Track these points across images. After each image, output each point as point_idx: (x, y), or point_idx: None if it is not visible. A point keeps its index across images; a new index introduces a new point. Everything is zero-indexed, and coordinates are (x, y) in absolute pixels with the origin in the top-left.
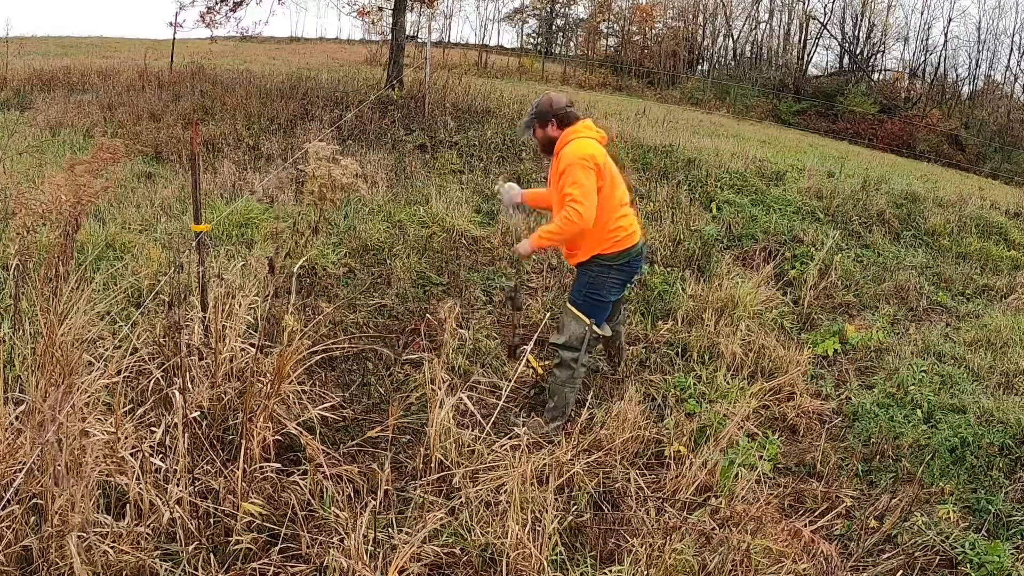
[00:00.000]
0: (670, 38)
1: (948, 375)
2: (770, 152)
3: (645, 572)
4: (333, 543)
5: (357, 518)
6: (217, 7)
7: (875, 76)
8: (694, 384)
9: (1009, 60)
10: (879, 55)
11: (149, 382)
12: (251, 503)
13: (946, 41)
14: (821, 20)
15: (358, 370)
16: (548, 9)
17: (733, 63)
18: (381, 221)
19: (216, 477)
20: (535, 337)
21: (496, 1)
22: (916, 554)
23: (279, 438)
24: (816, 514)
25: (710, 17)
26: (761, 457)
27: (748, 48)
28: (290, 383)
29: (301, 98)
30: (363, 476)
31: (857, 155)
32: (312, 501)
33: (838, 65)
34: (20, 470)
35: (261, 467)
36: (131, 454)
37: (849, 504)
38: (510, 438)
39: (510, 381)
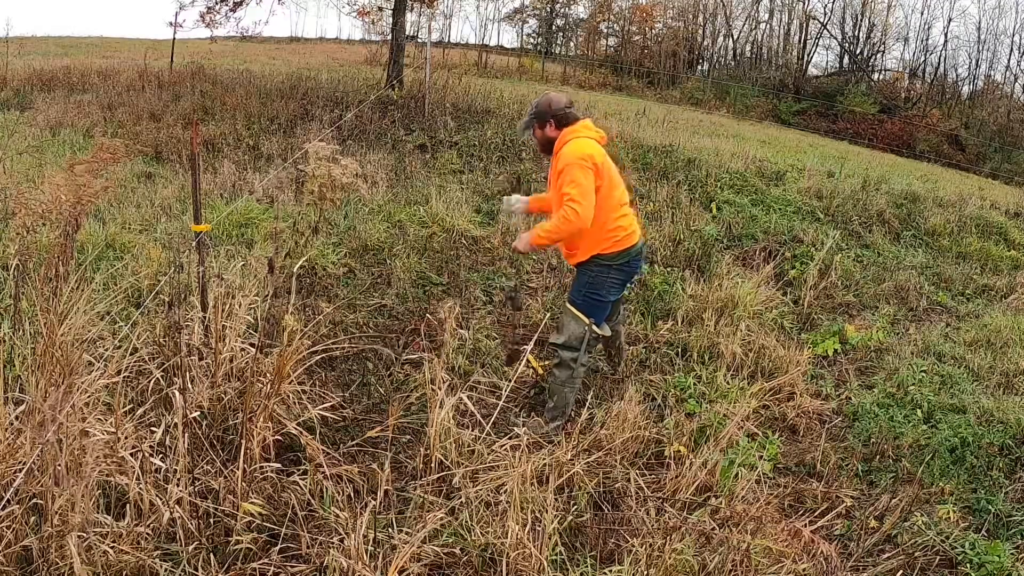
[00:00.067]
0: (670, 38)
1: (948, 375)
2: (770, 152)
3: (645, 572)
4: (333, 543)
5: (357, 518)
6: (217, 7)
7: (875, 76)
8: (694, 384)
9: (1009, 60)
10: (879, 55)
11: (149, 382)
12: (251, 503)
13: (946, 41)
14: (821, 20)
15: (358, 370)
16: (548, 9)
17: (733, 63)
18: (381, 221)
19: (216, 477)
20: (535, 337)
21: (496, 1)
22: (916, 554)
23: (279, 438)
24: (816, 514)
25: (710, 17)
26: (761, 457)
27: (748, 48)
28: (290, 383)
29: (301, 98)
30: (363, 476)
31: (857, 155)
32: (312, 501)
33: (838, 65)
34: (20, 470)
35: (261, 467)
36: (131, 454)
37: (849, 504)
38: (510, 438)
39: (510, 381)
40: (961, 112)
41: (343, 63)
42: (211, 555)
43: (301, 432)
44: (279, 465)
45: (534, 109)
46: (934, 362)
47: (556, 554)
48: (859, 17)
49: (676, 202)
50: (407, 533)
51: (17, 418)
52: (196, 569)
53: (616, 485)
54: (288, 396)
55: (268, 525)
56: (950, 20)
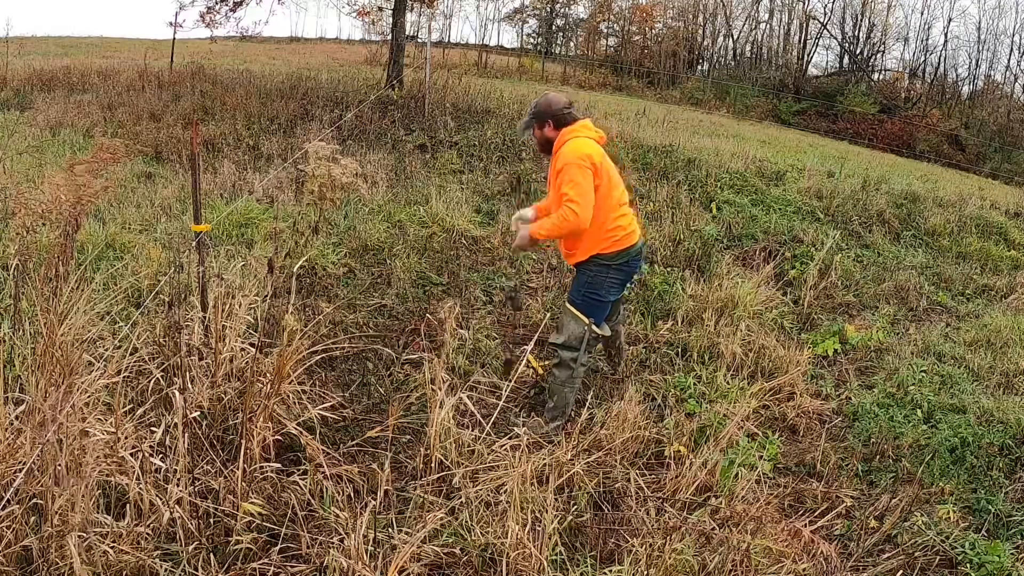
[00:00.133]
0: (670, 38)
1: (948, 375)
2: (770, 152)
3: (645, 572)
4: (333, 543)
5: (357, 518)
6: (217, 7)
7: (875, 76)
8: (694, 384)
9: (1009, 60)
10: (879, 55)
11: (149, 382)
12: (251, 503)
13: (946, 41)
14: (821, 20)
15: (358, 370)
16: (548, 9)
17: (733, 63)
18: (381, 221)
19: (216, 477)
20: (536, 337)
21: (496, 1)
22: (916, 554)
23: (279, 438)
24: (816, 514)
25: (710, 17)
26: (761, 457)
27: (748, 48)
28: (290, 383)
29: (301, 98)
30: (363, 476)
31: (857, 155)
32: (312, 501)
33: (838, 65)
34: (20, 470)
35: (261, 467)
36: (131, 454)
37: (849, 504)
38: (510, 438)
39: (510, 381)
40: (961, 112)
41: (343, 63)
42: (211, 555)
43: (301, 432)
44: (279, 465)
45: (533, 109)
46: (934, 362)
47: (556, 554)
48: (859, 17)
49: (676, 202)
50: (407, 533)
51: (17, 418)
52: (196, 569)
53: (616, 485)
54: (288, 396)
55: (268, 525)
56: (950, 20)
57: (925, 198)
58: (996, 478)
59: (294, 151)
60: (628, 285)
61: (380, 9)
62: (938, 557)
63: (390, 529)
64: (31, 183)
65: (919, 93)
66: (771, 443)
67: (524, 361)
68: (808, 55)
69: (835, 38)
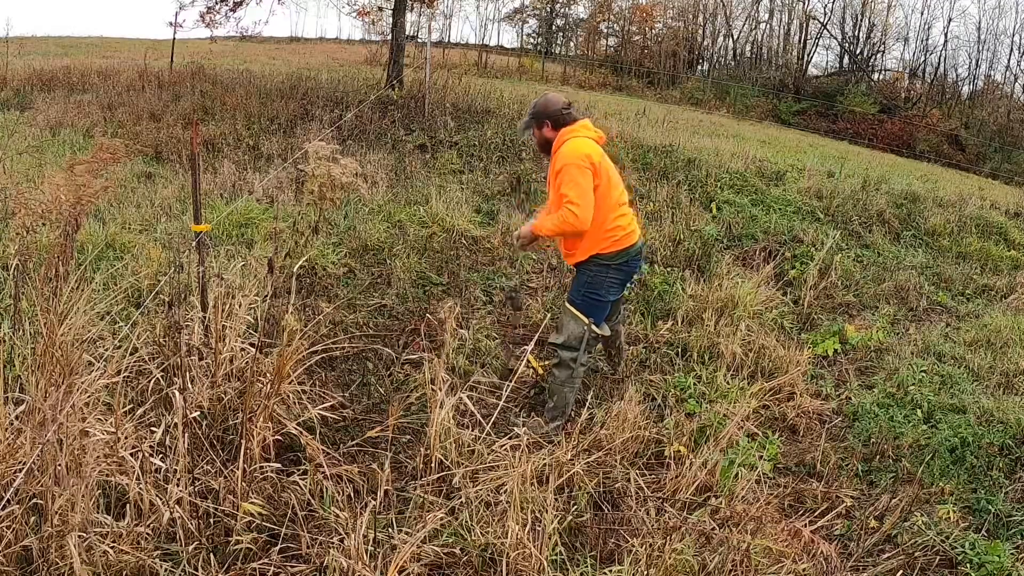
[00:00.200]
0: (670, 38)
1: (948, 375)
2: (770, 152)
3: (645, 572)
4: (333, 543)
5: (357, 518)
6: (217, 7)
7: (875, 76)
8: (694, 384)
9: (1009, 60)
10: (879, 55)
11: (149, 382)
12: (251, 503)
13: (946, 41)
14: (821, 20)
15: (358, 370)
16: (548, 9)
17: (733, 63)
18: (381, 221)
19: (216, 477)
20: (536, 337)
21: (496, 1)
22: (916, 554)
23: (279, 438)
24: (816, 514)
25: (710, 17)
26: (761, 457)
27: (748, 48)
28: (290, 383)
29: (301, 98)
30: (363, 476)
31: (857, 155)
32: (312, 501)
33: (838, 65)
34: (20, 470)
35: (261, 467)
36: (131, 454)
37: (849, 504)
38: (510, 438)
39: (510, 381)
40: (961, 112)
41: (343, 63)
42: (211, 555)
43: (301, 432)
44: (279, 465)
45: (532, 110)
46: (934, 362)
47: (556, 554)
48: (859, 17)
49: (676, 202)
50: (407, 533)
51: (17, 418)
52: (196, 569)
53: (616, 485)
54: (288, 396)
55: (268, 525)
56: (950, 20)
57: (925, 198)
58: (996, 478)
59: (294, 151)
60: (628, 285)
61: (380, 9)
62: (938, 557)
63: (390, 529)
64: (31, 183)
65: (919, 93)
66: (771, 443)
67: (524, 361)
68: (808, 55)
69: (835, 38)
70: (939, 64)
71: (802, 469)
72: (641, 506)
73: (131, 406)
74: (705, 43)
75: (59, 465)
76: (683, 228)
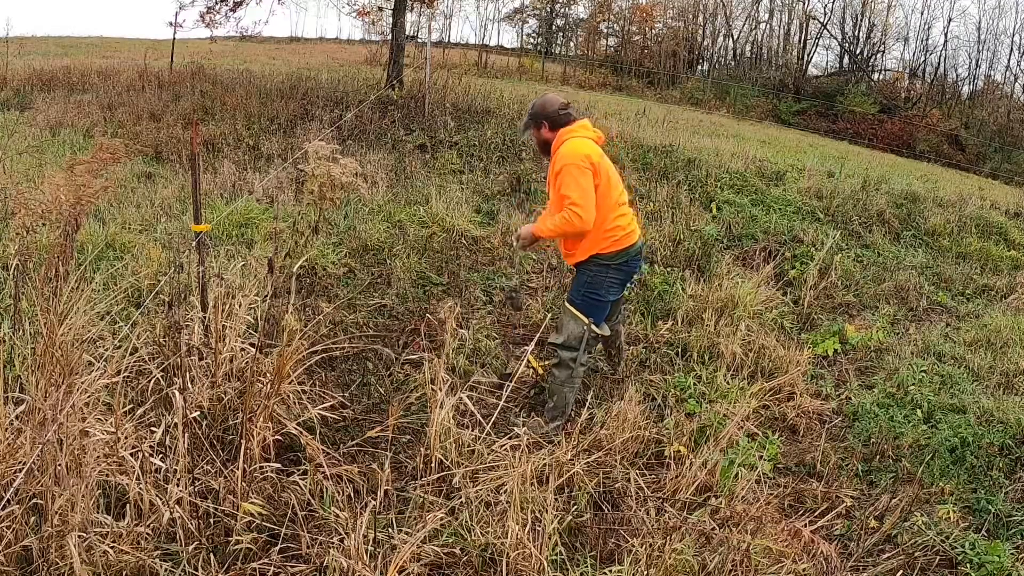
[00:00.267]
0: (670, 38)
1: (948, 375)
2: (770, 152)
3: (645, 572)
4: (333, 543)
5: (357, 518)
6: (217, 7)
7: (875, 76)
8: (694, 384)
9: (1009, 60)
10: (879, 55)
11: (149, 382)
12: (251, 503)
13: (946, 41)
14: (821, 20)
15: (358, 370)
16: (548, 9)
17: (733, 63)
18: (381, 221)
19: (216, 477)
20: (536, 338)
21: (496, 1)
22: (916, 554)
23: (279, 438)
24: (816, 514)
25: (710, 17)
26: (761, 457)
27: (748, 48)
28: (290, 383)
29: (301, 98)
30: (363, 476)
31: (857, 155)
32: (312, 501)
33: (838, 65)
34: (20, 470)
35: (261, 467)
36: (131, 454)
37: (849, 504)
38: (510, 438)
39: (510, 381)
40: (961, 112)
41: (343, 63)
42: (211, 555)
43: (301, 432)
44: (279, 465)
45: (530, 111)
46: (934, 362)
47: (556, 554)
48: (859, 17)
49: (676, 202)
50: (407, 533)
51: (17, 418)
52: (196, 569)
53: (616, 485)
54: (288, 396)
55: (268, 525)
56: (950, 20)
57: (925, 198)
58: (996, 478)
59: (294, 151)
60: (628, 285)
61: (380, 9)
62: (938, 557)
63: (390, 529)
64: (31, 183)
65: (919, 93)
66: (771, 443)
67: (524, 361)
68: (808, 55)
69: (835, 38)
70: (939, 64)
71: (802, 469)
72: (641, 506)
73: (131, 406)
74: (705, 43)
75: (59, 465)
76: (683, 228)
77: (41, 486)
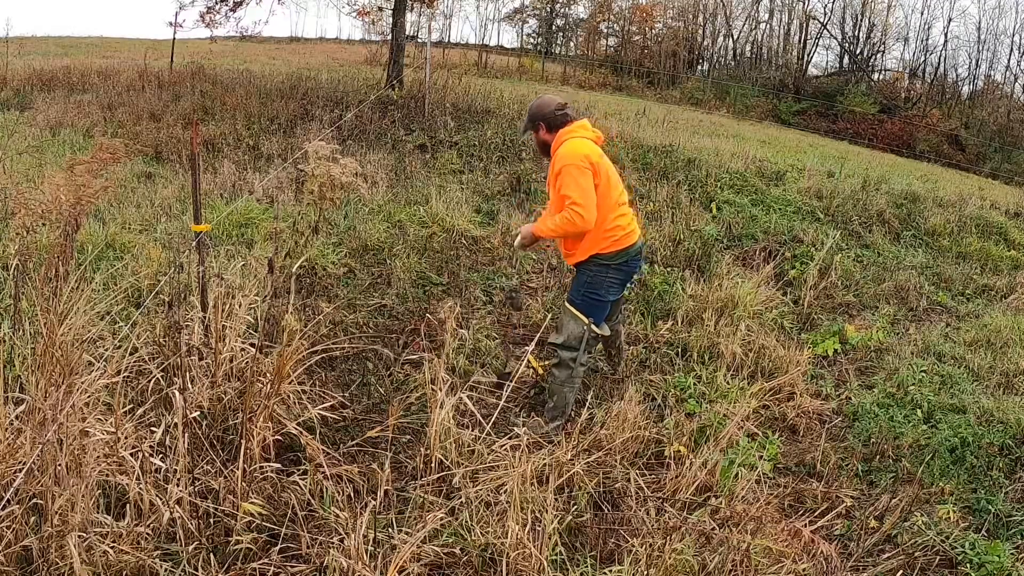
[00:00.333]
0: (670, 38)
1: (948, 375)
2: (770, 152)
3: (645, 572)
4: (333, 543)
5: (357, 518)
6: (217, 7)
7: (875, 76)
8: (694, 384)
9: (1009, 60)
10: (879, 55)
11: (149, 382)
12: (251, 503)
13: (946, 41)
14: (821, 20)
15: (358, 370)
16: (548, 9)
17: (733, 63)
18: (381, 221)
19: (216, 477)
20: (536, 338)
21: (496, 1)
22: (916, 554)
23: (279, 438)
24: (816, 514)
25: (710, 17)
26: (761, 457)
27: (748, 48)
28: (290, 383)
29: (301, 98)
30: (363, 476)
31: (857, 155)
32: (312, 501)
33: (838, 65)
34: (20, 470)
35: (261, 467)
36: (131, 454)
37: (849, 504)
38: (510, 438)
39: (510, 381)
40: (961, 112)
41: (343, 63)
42: (211, 555)
43: (301, 432)
44: (279, 465)
45: (528, 113)
46: (934, 362)
47: (556, 554)
48: (859, 17)
49: (676, 202)
50: (407, 533)
51: (17, 418)
52: (196, 569)
53: (616, 485)
54: (288, 396)
55: (268, 525)
56: (950, 20)
57: (925, 198)
58: (996, 478)
59: (294, 151)
60: (628, 285)
61: (380, 9)
62: (938, 557)
63: (390, 529)
64: (31, 183)
65: (919, 93)
66: (771, 443)
67: (524, 361)
68: (808, 55)
69: (835, 38)
70: (939, 64)
71: (802, 469)
72: (641, 506)
73: (131, 406)
74: (705, 43)
75: (59, 465)
76: (683, 228)
77: (41, 486)
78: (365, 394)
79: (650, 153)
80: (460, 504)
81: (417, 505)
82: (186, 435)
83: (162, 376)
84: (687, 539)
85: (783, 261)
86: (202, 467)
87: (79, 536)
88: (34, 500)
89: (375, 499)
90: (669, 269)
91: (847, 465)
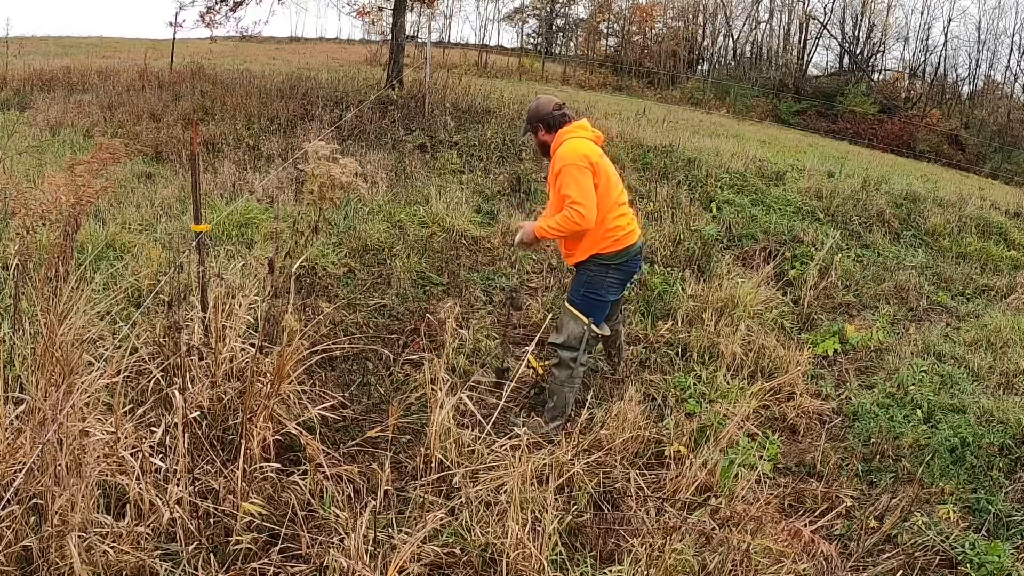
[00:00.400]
0: (670, 38)
1: (948, 375)
2: (770, 152)
3: (645, 572)
4: (333, 543)
5: (357, 518)
6: (217, 7)
7: (875, 76)
8: (694, 384)
9: (1009, 60)
10: (879, 55)
11: (149, 382)
12: (251, 503)
13: (946, 41)
14: (821, 20)
15: (358, 370)
16: (548, 9)
17: (733, 63)
18: (381, 221)
19: (216, 477)
20: (536, 337)
21: (496, 1)
22: (916, 554)
23: (279, 438)
24: (816, 514)
25: (710, 17)
26: (761, 457)
27: (748, 48)
28: (290, 383)
29: (301, 98)
30: (363, 476)
31: (857, 155)
32: (312, 501)
33: (838, 65)
34: (20, 470)
35: (261, 467)
36: (131, 454)
37: (849, 504)
38: (510, 438)
39: (510, 381)
40: (961, 112)
41: (343, 63)
42: (211, 555)
43: (301, 432)
44: (279, 465)
45: (526, 115)
46: (934, 362)
47: (556, 554)
48: (859, 17)
49: (676, 202)
50: (407, 533)
51: (17, 418)
52: (196, 569)
53: (616, 485)
54: (288, 396)
55: (268, 525)
56: (950, 20)
57: (925, 198)
58: (996, 478)
59: (294, 151)
60: (628, 285)
61: (380, 9)
62: (938, 557)
63: (390, 529)
64: (31, 183)
65: (919, 93)
66: (771, 443)
67: (524, 361)
68: (808, 55)
69: (835, 38)
70: (939, 64)
71: (802, 469)
72: (641, 506)
73: (131, 406)
74: (705, 43)
75: (59, 465)
76: (683, 228)
77: (41, 486)
78: (365, 394)
79: (650, 153)
80: (460, 504)
81: (417, 505)
82: (186, 435)
83: (162, 376)
84: (687, 539)
85: (783, 261)
86: (202, 467)
87: (79, 536)
88: (34, 500)
89: (375, 499)
90: (669, 269)
91: (847, 465)
